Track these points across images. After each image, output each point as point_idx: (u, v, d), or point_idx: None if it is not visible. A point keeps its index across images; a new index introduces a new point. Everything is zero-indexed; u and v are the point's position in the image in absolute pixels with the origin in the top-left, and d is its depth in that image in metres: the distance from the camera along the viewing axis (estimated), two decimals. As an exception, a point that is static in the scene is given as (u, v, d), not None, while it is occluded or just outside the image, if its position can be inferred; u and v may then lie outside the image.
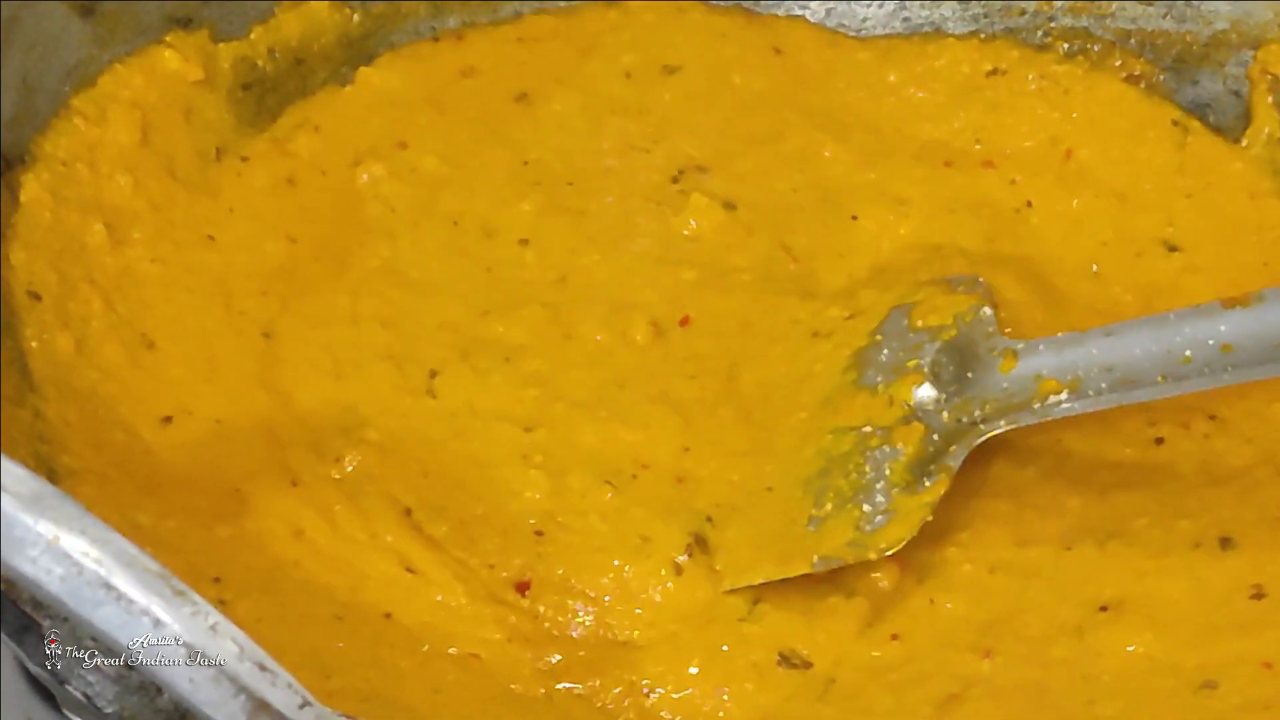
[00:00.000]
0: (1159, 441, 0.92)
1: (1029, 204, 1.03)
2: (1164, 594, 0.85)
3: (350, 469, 0.89)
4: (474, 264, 0.99)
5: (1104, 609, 0.84)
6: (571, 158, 1.05)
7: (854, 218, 1.02)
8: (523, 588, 0.86)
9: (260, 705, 0.60)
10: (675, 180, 1.03)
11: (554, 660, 0.84)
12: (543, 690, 0.83)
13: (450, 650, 0.83)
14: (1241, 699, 0.79)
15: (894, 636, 0.85)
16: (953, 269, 0.98)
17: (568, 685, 0.83)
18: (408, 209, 1.01)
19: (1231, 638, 0.82)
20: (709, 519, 0.88)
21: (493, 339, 0.95)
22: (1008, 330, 0.92)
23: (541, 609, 0.86)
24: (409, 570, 0.86)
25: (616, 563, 0.86)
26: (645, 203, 1.03)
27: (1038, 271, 1.00)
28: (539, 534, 0.87)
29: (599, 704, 0.83)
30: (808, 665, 0.83)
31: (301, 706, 0.61)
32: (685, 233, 1.01)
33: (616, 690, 0.83)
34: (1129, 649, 0.82)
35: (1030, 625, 0.84)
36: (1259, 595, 0.84)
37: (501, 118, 1.06)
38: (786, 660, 0.83)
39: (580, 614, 0.86)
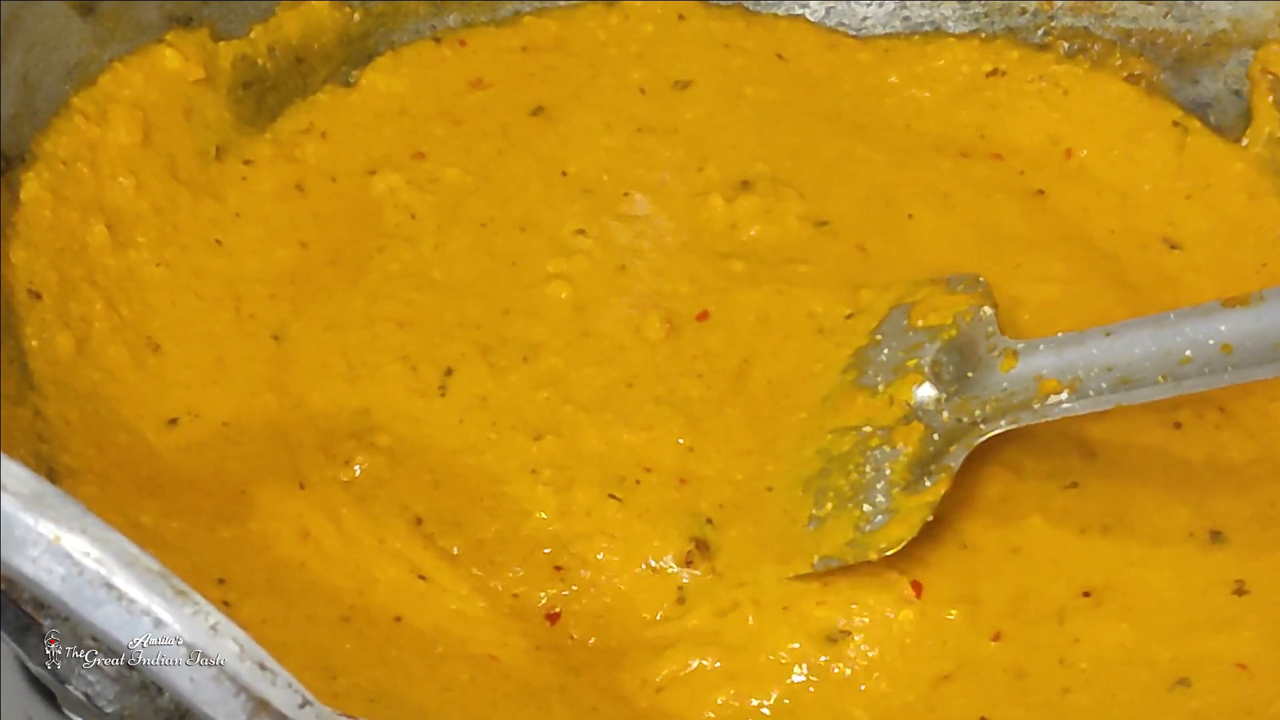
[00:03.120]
0: (1177, 426, 0.92)
1: (1041, 192, 1.04)
2: (1146, 583, 0.85)
3: (359, 473, 0.89)
4: (500, 261, 0.99)
5: (1087, 594, 0.85)
6: (618, 171, 1.04)
7: (910, 216, 1.02)
8: (553, 618, 0.86)
9: (261, 704, 0.60)
10: (732, 198, 1.03)
11: (576, 661, 0.84)
12: (560, 685, 0.83)
13: (467, 653, 0.83)
14: (1216, 698, 0.80)
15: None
16: (1010, 251, 0.99)
17: (586, 680, 0.83)
18: (430, 216, 1.01)
19: (1208, 634, 0.83)
20: (709, 520, 0.88)
21: (513, 336, 0.95)
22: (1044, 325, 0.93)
23: (573, 634, 0.86)
24: (421, 577, 0.86)
25: (633, 592, 0.87)
26: (707, 210, 1.02)
27: (1079, 249, 1.01)
28: (558, 569, 0.87)
29: (616, 694, 0.83)
30: (846, 635, 0.84)
31: (302, 706, 0.61)
32: (751, 233, 1.01)
33: (633, 685, 0.83)
34: (1107, 637, 0.83)
35: (1028, 606, 0.85)
36: (1240, 592, 0.85)
37: (522, 132, 1.06)
38: (829, 639, 0.84)
39: (607, 634, 0.86)
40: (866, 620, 0.84)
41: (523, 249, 1.00)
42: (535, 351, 0.95)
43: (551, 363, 0.94)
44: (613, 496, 0.89)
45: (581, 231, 1.00)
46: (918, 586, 0.85)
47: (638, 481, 0.90)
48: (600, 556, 0.87)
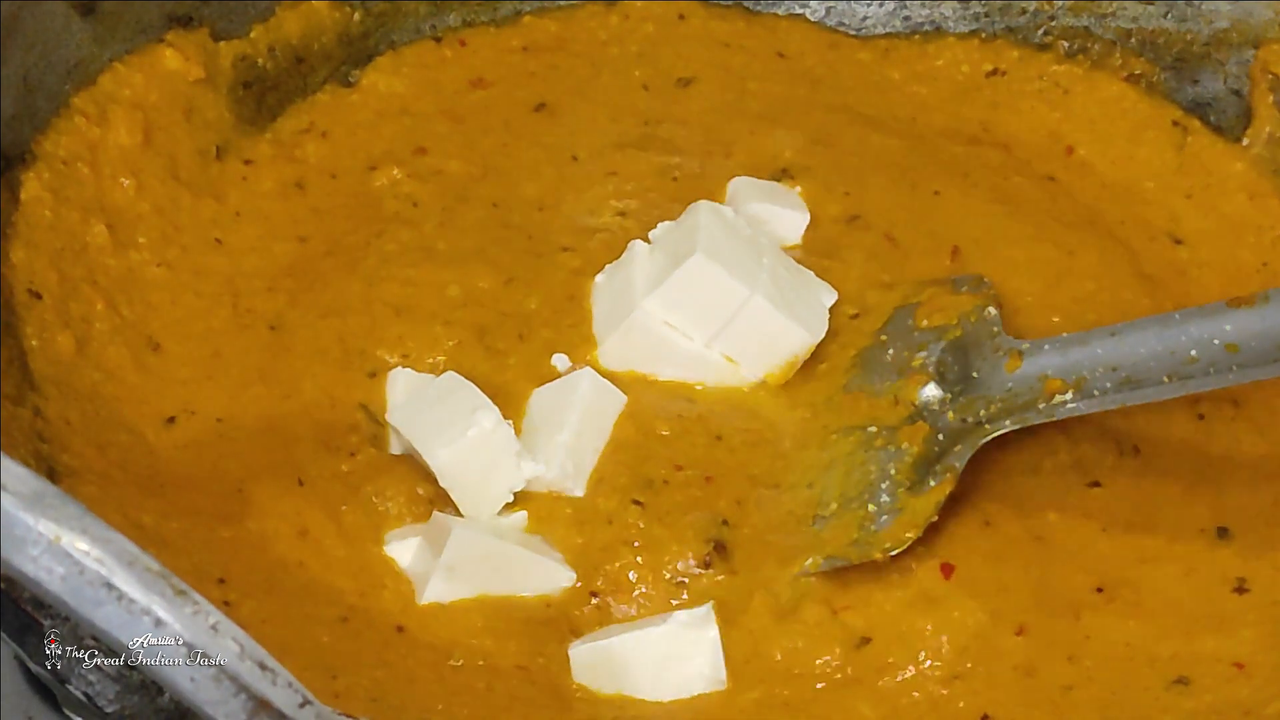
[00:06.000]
0: (1201, 418, 0.92)
1: (1052, 179, 1.04)
2: (1155, 580, 0.85)
3: (360, 466, 0.88)
4: (516, 233, 0.99)
5: (1100, 590, 0.85)
6: (636, 159, 1.04)
7: (936, 193, 1.02)
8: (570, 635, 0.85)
9: (261, 704, 0.60)
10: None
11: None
12: (575, 687, 0.82)
13: (477, 662, 0.83)
14: (1213, 698, 0.80)
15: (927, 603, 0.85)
16: (1049, 232, 0.99)
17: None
18: (434, 202, 1.01)
19: (1208, 633, 0.83)
20: (725, 522, 0.87)
21: (513, 310, 0.95)
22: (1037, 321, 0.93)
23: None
24: None
25: (662, 601, 0.85)
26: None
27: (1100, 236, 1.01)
28: (594, 595, 0.85)
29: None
30: (867, 641, 0.83)
31: (302, 705, 0.61)
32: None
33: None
34: (1114, 634, 0.83)
35: (1050, 600, 0.85)
36: (1241, 590, 0.85)
37: (525, 125, 1.06)
38: (854, 647, 0.83)
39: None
40: (889, 629, 0.83)
41: (541, 225, 0.99)
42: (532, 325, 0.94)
43: (546, 334, 0.94)
44: (636, 503, 0.87)
45: (623, 214, 1.00)
46: (948, 569, 0.85)
47: (666, 481, 0.89)
48: (632, 575, 0.85)
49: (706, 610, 0.82)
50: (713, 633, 0.82)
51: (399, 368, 0.92)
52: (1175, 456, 0.90)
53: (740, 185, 0.99)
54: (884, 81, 1.10)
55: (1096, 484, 0.89)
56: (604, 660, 0.82)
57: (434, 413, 0.87)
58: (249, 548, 0.85)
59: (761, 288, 0.89)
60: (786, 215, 0.98)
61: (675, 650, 0.82)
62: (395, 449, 0.89)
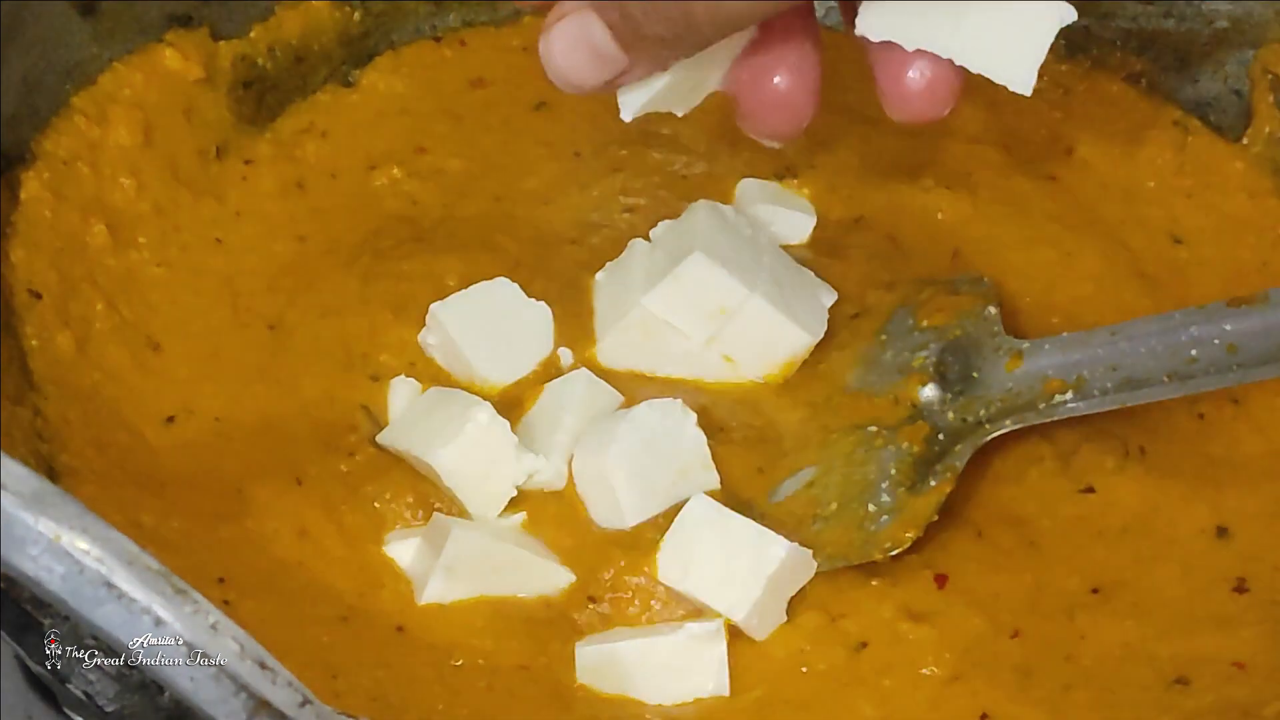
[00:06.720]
0: (1201, 417, 0.92)
1: (1052, 178, 1.03)
2: (1154, 580, 0.85)
3: (360, 466, 0.88)
4: (522, 225, 0.98)
5: (1096, 591, 0.85)
6: (642, 155, 1.03)
7: (936, 192, 1.02)
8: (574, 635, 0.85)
9: (260, 703, 0.60)
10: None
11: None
12: (577, 687, 0.82)
13: (478, 662, 0.83)
14: (1213, 698, 0.80)
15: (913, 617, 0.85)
16: (1049, 232, 0.99)
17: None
18: (434, 200, 1.01)
19: (1207, 632, 0.83)
20: None
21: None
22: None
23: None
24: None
25: (665, 602, 0.85)
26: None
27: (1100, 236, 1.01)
28: (591, 597, 0.85)
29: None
30: (863, 645, 0.83)
31: (302, 704, 0.61)
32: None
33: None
34: (1112, 635, 0.83)
35: (1044, 601, 0.85)
36: (1241, 589, 0.85)
37: (526, 123, 1.06)
38: (852, 649, 0.83)
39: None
40: (885, 634, 0.83)
41: (545, 219, 0.99)
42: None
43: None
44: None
45: (629, 210, 1.00)
46: (942, 579, 0.85)
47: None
48: (630, 576, 0.85)
49: (717, 626, 0.82)
50: (720, 649, 0.82)
51: (400, 376, 0.92)
52: (1175, 457, 0.90)
53: (748, 187, 1.00)
54: (881, 82, 1.10)
55: (1090, 490, 0.89)
56: (609, 663, 0.82)
57: (429, 420, 0.87)
58: (249, 548, 0.85)
59: (761, 287, 0.89)
60: (793, 218, 0.99)
61: (681, 661, 0.82)
62: None
